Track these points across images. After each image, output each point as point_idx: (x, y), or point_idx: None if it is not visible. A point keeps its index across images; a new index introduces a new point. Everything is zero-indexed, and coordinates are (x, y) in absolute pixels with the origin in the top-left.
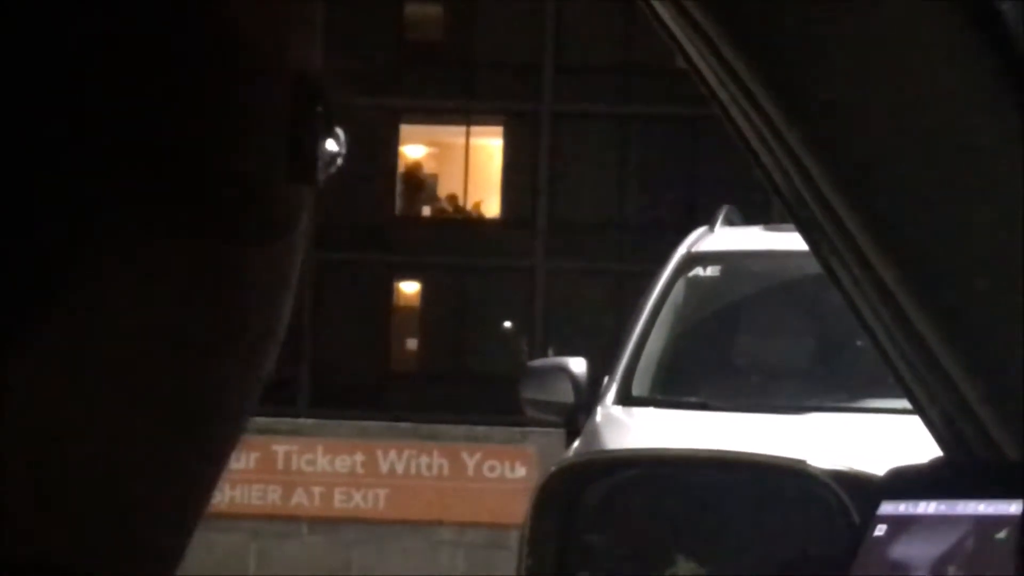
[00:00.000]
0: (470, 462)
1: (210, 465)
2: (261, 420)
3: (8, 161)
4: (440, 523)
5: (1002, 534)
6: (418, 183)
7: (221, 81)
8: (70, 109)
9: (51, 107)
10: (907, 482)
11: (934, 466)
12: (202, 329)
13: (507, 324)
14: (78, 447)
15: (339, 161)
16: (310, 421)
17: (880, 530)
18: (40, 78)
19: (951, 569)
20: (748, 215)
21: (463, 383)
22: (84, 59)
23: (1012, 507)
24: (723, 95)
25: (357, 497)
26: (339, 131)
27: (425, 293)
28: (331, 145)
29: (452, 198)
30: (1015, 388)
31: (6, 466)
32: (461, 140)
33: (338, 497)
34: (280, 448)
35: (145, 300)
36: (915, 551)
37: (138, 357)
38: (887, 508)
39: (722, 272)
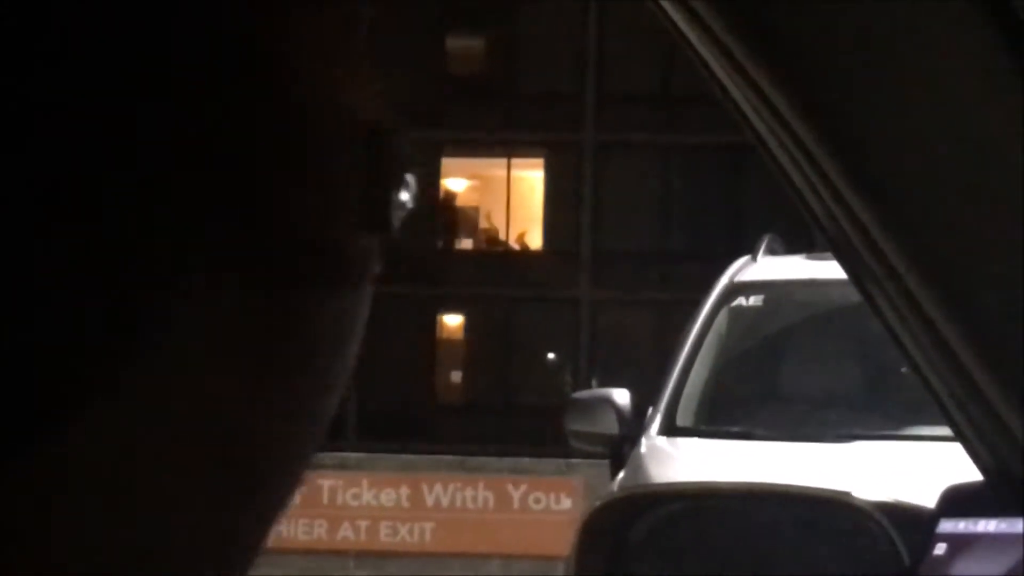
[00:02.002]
0: (516, 494)
1: (261, 523)
2: None
3: (81, 214)
4: (486, 556)
5: None
6: (460, 216)
7: (294, 129)
8: (144, 159)
9: (125, 157)
10: (965, 500)
11: (992, 483)
12: (271, 386)
13: (551, 356)
14: (133, 504)
15: (409, 207)
16: (355, 455)
17: (940, 549)
18: (106, 128)
19: None
20: (791, 244)
21: (508, 415)
22: (151, 106)
23: None
24: (757, 123)
25: (403, 530)
26: (410, 179)
27: (469, 325)
28: (403, 194)
29: (494, 230)
30: None
31: (61, 524)
32: (503, 172)
33: (384, 531)
34: (326, 482)
35: (215, 356)
36: (976, 569)
37: (205, 413)
38: (946, 526)
39: (765, 301)
